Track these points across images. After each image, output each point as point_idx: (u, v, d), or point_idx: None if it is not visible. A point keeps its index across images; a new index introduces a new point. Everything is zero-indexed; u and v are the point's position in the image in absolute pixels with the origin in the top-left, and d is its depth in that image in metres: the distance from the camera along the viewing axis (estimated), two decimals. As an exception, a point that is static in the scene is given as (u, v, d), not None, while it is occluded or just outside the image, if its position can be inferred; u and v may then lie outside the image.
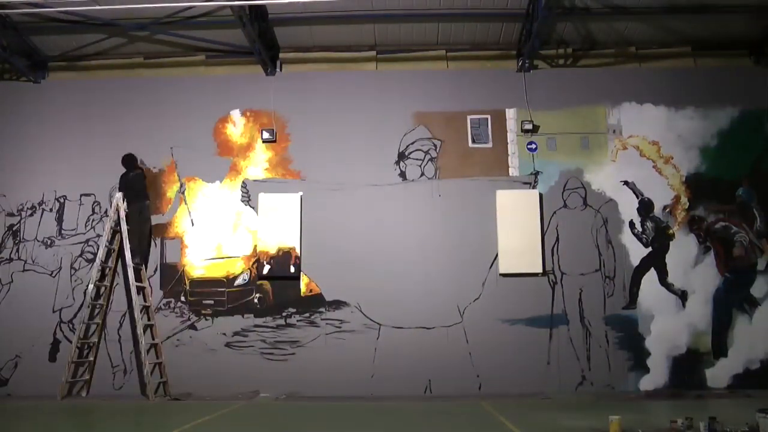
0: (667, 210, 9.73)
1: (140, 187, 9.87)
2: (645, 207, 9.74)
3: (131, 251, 9.43)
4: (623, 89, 10.02)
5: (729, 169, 9.79)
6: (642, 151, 9.89)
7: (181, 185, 10.03)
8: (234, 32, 9.52)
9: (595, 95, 10.02)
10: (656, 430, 5.88)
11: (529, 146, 9.92)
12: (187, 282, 9.70)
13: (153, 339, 9.42)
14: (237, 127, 10.17)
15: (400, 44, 10.24)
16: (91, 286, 9.34)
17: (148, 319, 9.47)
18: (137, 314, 9.30)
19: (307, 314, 9.55)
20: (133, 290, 9.30)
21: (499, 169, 9.89)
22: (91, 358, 9.43)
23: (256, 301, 9.64)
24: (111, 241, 9.62)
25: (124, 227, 9.49)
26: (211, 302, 9.65)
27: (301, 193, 9.86)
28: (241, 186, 9.99)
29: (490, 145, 9.99)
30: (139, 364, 9.31)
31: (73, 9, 9.23)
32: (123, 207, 9.57)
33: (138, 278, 9.46)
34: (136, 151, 10.09)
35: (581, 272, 9.55)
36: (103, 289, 9.56)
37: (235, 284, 9.72)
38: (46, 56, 10.39)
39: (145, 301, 9.52)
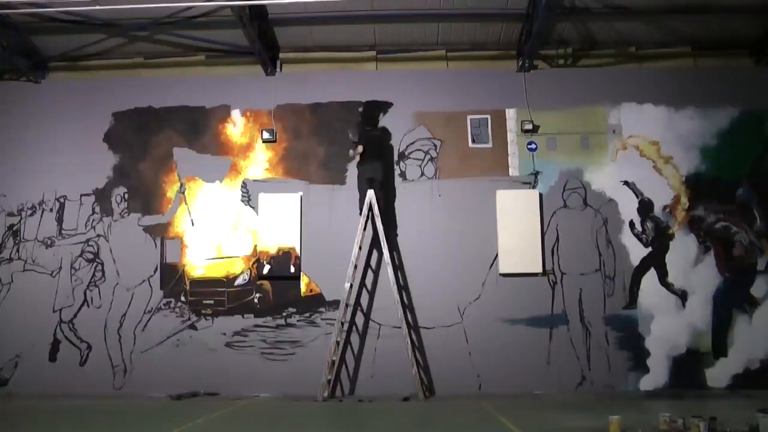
0: (667, 210, 9.73)
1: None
2: (645, 207, 9.73)
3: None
4: (623, 89, 10.01)
5: (729, 169, 9.78)
6: (642, 151, 9.89)
7: (181, 185, 10.03)
8: (234, 32, 9.52)
9: (595, 95, 10.01)
10: (656, 430, 5.88)
11: (529, 146, 9.92)
12: (187, 282, 9.70)
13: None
14: (237, 127, 10.17)
15: (400, 44, 10.24)
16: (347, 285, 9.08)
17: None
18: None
19: (307, 314, 9.55)
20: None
21: (499, 169, 9.88)
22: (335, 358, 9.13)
23: (256, 301, 9.64)
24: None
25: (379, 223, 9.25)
26: (211, 302, 9.65)
27: (301, 193, 9.87)
28: (241, 186, 9.99)
29: (490, 145, 9.99)
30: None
31: (73, 9, 9.23)
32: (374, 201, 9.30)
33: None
34: (136, 150, 10.12)
35: (581, 272, 9.55)
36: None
37: (235, 284, 9.72)
38: (46, 56, 10.39)
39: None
